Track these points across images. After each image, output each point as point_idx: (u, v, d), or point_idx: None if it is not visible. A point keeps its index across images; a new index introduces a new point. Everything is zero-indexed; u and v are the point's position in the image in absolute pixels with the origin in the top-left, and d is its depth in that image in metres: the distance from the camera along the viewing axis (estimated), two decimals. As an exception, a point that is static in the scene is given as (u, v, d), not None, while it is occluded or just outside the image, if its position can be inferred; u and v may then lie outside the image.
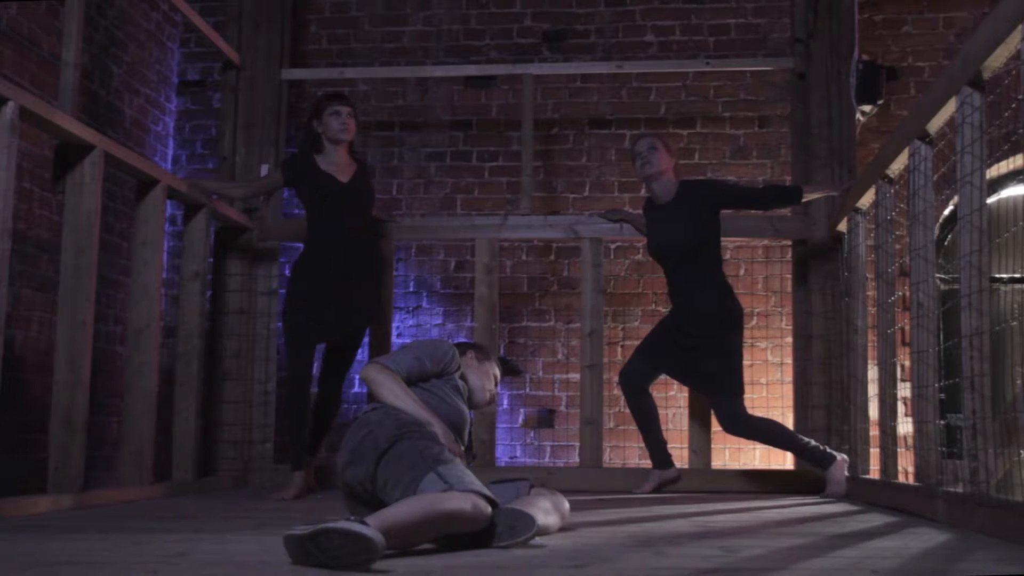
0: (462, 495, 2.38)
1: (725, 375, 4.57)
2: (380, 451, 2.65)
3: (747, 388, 5.71)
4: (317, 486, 4.63)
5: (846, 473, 4.44)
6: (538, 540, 2.50)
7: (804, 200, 4.74)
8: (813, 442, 4.55)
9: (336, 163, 4.61)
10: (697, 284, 4.59)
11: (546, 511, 2.71)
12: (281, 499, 4.25)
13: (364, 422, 2.78)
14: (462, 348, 3.20)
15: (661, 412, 5.78)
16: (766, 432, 4.63)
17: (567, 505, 2.94)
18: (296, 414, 4.55)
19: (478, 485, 2.47)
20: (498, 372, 3.25)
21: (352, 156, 4.70)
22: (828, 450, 4.50)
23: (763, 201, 4.82)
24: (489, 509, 2.41)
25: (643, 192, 6.05)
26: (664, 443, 4.79)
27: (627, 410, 5.82)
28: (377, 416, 2.77)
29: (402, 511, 2.28)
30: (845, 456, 4.46)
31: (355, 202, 4.62)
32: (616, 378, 5.83)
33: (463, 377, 3.11)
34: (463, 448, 3.05)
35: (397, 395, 2.83)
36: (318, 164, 4.58)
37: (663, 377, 5.96)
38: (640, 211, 5.04)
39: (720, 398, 4.59)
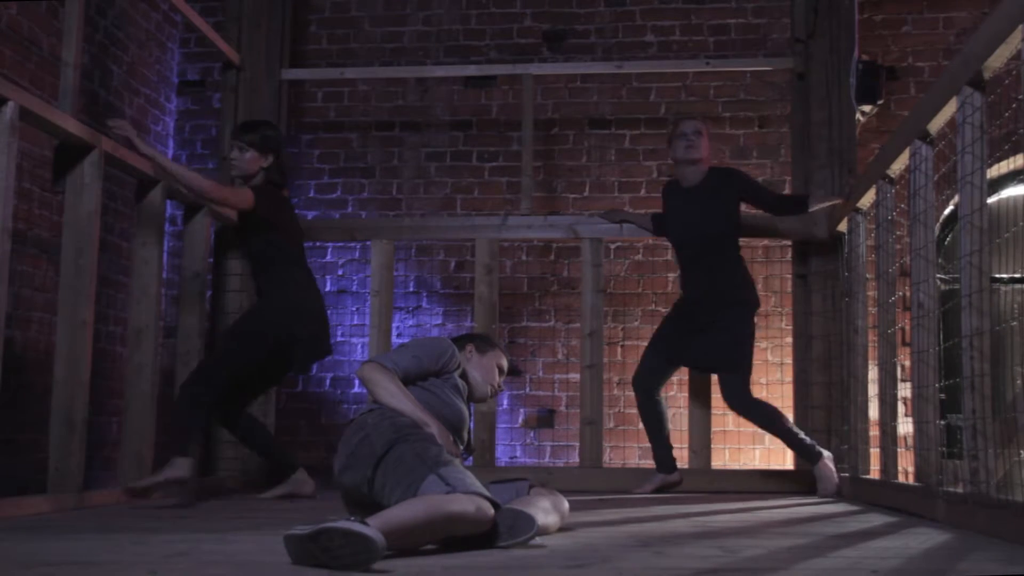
0: (465, 497, 2.37)
1: (735, 349, 4.59)
2: (377, 456, 2.63)
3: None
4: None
5: (833, 467, 4.51)
6: (538, 540, 2.50)
7: (811, 210, 4.77)
8: (803, 435, 4.59)
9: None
10: (720, 271, 4.62)
11: (546, 511, 2.71)
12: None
13: (360, 425, 2.77)
14: (461, 342, 3.16)
15: (661, 412, 5.81)
16: (764, 416, 4.63)
17: (567, 505, 2.94)
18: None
19: (480, 487, 2.47)
20: (504, 362, 3.20)
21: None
22: (816, 446, 4.56)
23: (776, 206, 4.83)
24: (492, 511, 2.40)
25: (644, 190, 6.07)
26: (670, 447, 4.81)
27: (627, 410, 5.84)
28: (373, 419, 2.76)
29: (404, 512, 2.27)
30: (829, 453, 4.55)
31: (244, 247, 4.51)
32: (616, 378, 5.87)
33: (463, 375, 3.09)
34: (462, 447, 3.04)
35: (393, 395, 2.81)
36: None
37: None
38: (642, 211, 5.03)
39: (727, 372, 4.61)
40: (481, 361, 3.14)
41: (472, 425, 3.17)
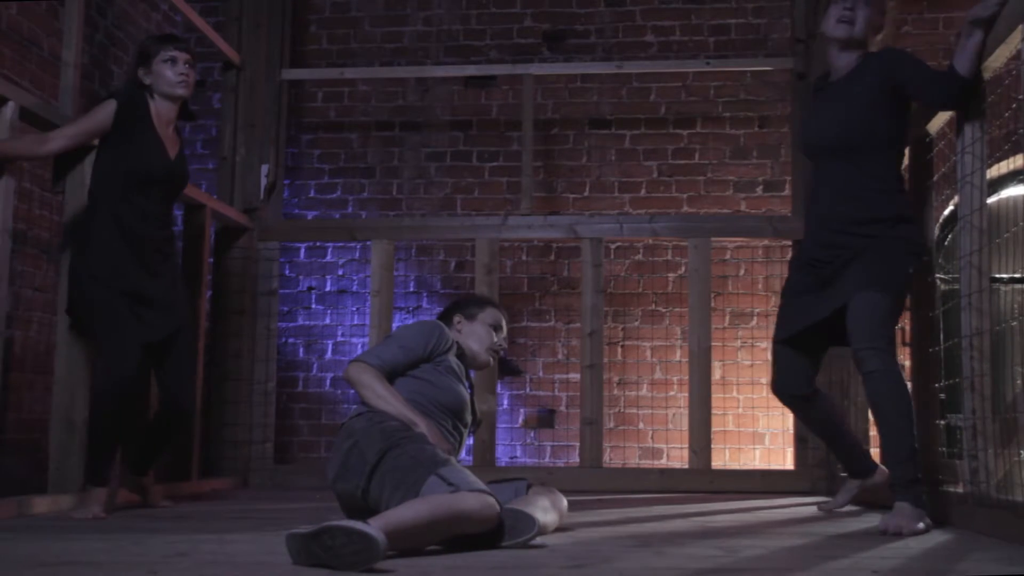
0: (471, 495, 2.35)
1: (886, 269, 3.20)
2: (370, 464, 2.60)
3: (747, 388, 5.76)
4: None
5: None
6: (538, 540, 2.50)
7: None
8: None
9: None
10: (857, 187, 3.27)
11: (545, 510, 2.70)
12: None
13: (349, 431, 2.73)
14: (449, 315, 3.08)
15: (660, 412, 5.81)
16: (891, 399, 3.11)
17: (565, 503, 2.93)
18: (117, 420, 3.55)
19: (483, 484, 2.45)
20: (499, 317, 3.08)
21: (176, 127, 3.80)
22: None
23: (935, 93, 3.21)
24: (498, 508, 2.39)
25: (644, 190, 6.07)
26: (858, 445, 3.71)
27: (627, 410, 5.84)
28: (361, 424, 2.72)
29: (407, 512, 2.26)
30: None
31: (174, 186, 3.76)
32: (616, 378, 5.86)
33: (459, 352, 3.01)
34: (464, 429, 2.97)
35: (380, 396, 2.76)
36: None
37: (662, 376, 5.97)
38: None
39: (872, 291, 3.16)
40: (472, 328, 3.05)
41: (473, 397, 3.07)
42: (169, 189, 3.72)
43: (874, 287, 3.15)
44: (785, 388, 3.55)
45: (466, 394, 2.96)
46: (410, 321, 6.06)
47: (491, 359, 3.08)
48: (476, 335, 3.05)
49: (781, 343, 3.49)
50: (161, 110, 3.67)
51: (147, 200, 3.60)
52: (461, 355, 3.04)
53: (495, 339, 3.07)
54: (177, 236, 5.47)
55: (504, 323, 3.12)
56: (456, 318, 3.08)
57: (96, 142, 3.67)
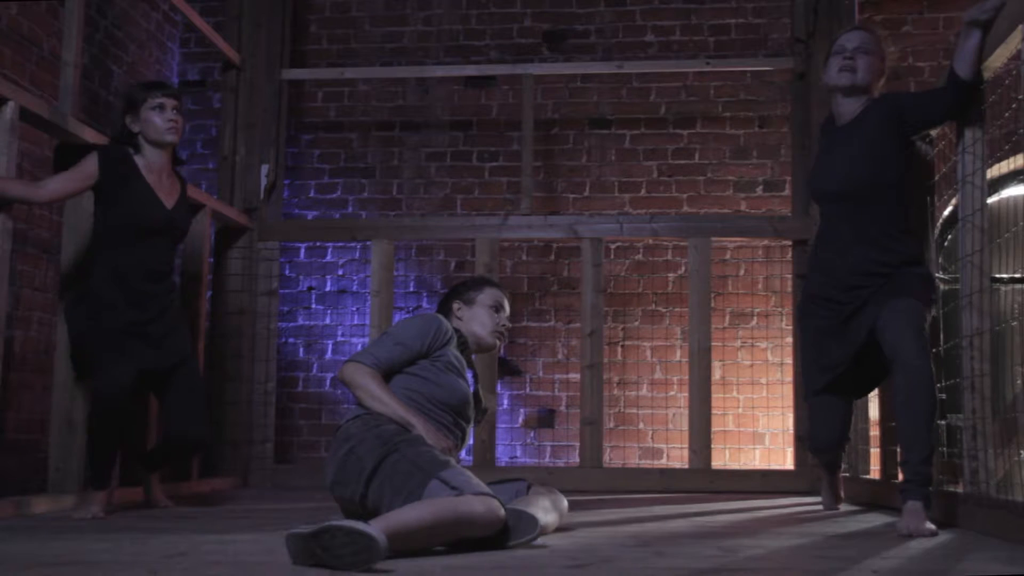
0: (475, 498, 2.34)
1: (913, 286, 3.21)
2: (368, 471, 2.57)
3: (747, 388, 5.76)
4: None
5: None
6: (539, 540, 2.49)
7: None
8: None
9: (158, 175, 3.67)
10: (870, 232, 3.28)
11: (545, 510, 2.70)
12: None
13: (345, 436, 2.70)
14: (447, 304, 3.01)
15: (660, 412, 5.82)
16: (925, 398, 3.03)
17: (565, 503, 2.93)
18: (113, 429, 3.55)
19: (485, 486, 2.44)
20: (499, 296, 3.00)
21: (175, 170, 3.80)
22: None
23: (945, 106, 3.20)
24: (502, 510, 2.38)
25: (644, 190, 6.07)
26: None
27: (627, 410, 5.84)
28: (356, 428, 2.68)
29: (410, 514, 2.24)
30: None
31: (174, 235, 3.75)
32: (616, 378, 5.86)
33: (461, 343, 2.94)
34: (465, 424, 2.91)
35: (375, 397, 2.72)
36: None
37: (662, 376, 5.96)
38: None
39: (906, 299, 3.15)
40: (473, 312, 2.97)
41: (477, 387, 3.02)
42: (169, 238, 3.72)
43: (907, 296, 3.17)
44: (826, 439, 3.57)
45: (467, 389, 2.89)
46: (410, 321, 6.06)
47: (496, 341, 3.00)
48: (478, 319, 2.97)
49: (818, 394, 3.48)
50: (151, 159, 3.64)
51: (148, 250, 3.61)
52: (463, 345, 2.97)
53: (497, 320, 2.99)
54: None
55: (505, 302, 3.04)
56: (455, 305, 3.01)
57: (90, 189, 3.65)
